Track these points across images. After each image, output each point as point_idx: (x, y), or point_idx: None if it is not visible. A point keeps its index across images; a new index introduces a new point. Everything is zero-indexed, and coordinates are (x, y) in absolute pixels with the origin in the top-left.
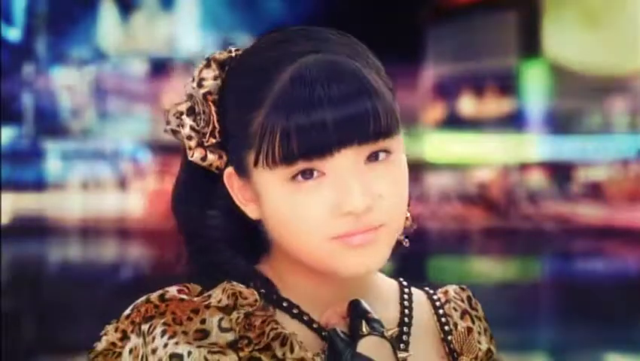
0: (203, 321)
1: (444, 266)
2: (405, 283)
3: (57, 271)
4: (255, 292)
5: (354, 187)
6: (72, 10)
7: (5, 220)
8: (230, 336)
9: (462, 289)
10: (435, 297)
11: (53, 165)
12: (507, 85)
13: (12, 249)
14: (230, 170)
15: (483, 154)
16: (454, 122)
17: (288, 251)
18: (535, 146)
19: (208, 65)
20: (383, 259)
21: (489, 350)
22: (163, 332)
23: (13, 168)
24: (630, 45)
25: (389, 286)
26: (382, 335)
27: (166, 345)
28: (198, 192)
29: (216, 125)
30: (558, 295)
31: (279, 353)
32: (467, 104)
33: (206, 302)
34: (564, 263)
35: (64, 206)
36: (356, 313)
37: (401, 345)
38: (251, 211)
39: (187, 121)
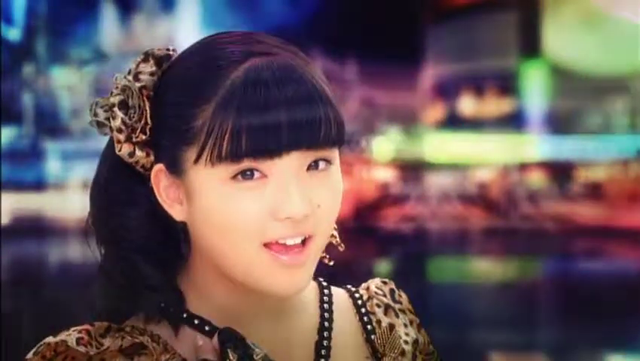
0: (103, 360)
1: (444, 266)
2: (325, 283)
3: (57, 271)
4: (153, 345)
5: (295, 193)
6: (72, 10)
7: (5, 220)
8: None
9: (384, 282)
10: (357, 295)
11: (53, 165)
12: (507, 85)
13: (12, 249)
14: (159, 166)
15: (483, 154)
16: (454, 122)
17: (212, 259)
18: (535, 146)
19: (146, 60)
20: (307, 282)
21: (416, 340)
22: None
23: (13, 168)
24: (630, 45)
25: (308, 290)
26: (251, 359)
27: None
28: (120, 190)
29: (148, 121)
30: (558, 295)
31: None
32: (467, 104)
33: (107, 349)
34: (564, 263)
35: (64, 206)
36: (224, 340)
37: (322, 351)
38: (177, 213)
39: (119, 114)
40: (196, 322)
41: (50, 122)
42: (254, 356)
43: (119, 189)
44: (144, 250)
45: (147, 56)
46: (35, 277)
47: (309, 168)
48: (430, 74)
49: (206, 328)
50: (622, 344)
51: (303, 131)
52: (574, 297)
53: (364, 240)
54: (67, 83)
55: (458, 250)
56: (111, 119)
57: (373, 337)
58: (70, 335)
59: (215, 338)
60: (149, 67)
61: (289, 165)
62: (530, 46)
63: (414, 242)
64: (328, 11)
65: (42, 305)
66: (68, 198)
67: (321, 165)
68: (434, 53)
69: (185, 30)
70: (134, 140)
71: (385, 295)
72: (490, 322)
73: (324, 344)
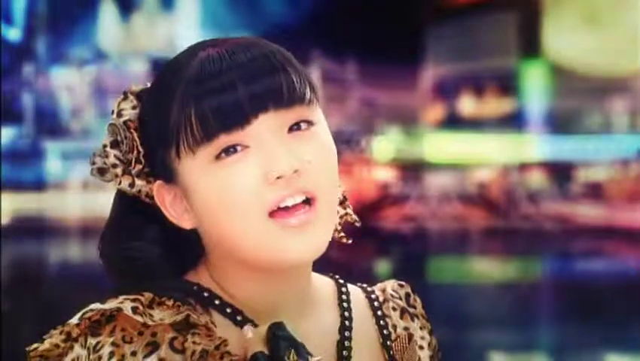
0: (154, 335)
1: (444, 266)
2: (341, 281)
3: (57, 271)
4: (206, 316)
5: (279, 151)
6: (72, 10)
7: (5, 220)
8: (178, 358)
9: (401, 285)
10: (373, 296)
11: (53, 165)
12: (507, 85)
13: (12, 249)
14: (158, 183)
15: (483, 154)
16: (454, 122)
17: (225, 250)
18: (535, 146)
19: (125, 98)
20: (324, 244)
21: (430, 342)
22: (111, 355)
23: (13, 168)
24: (630, 45)
25: (326, 286)
26: None
27: None
28: (129, 227)
29: (140, 149)
30: (558, 295)
31: None
32: (467, 104)
33: (158, 319)
34: (564, 263)
35: (64, 206)
36: (280, 337)
37: (344, 352)
38: (185, 222)
39: (111, 151)
40: (228, 310)
41: (50, 122)
42: (309, 359)
43: (128, 226)
44: (159, 273)
45: (126, 95)
46: (35, 277)
47: (291, 130)
48: (430, 74)
49: (238, 318)
50: (622, 344)
51: (264, 94)
52: (574, 297)
53: (364, 240)
54: (67, 83)
55: (458, 250)
56: (105, 159)
57: (389, 343)
58: (124, 303)
59: (264, 331)
60: (129, 102)
61: (265, 129)
62: (530, 46)
63: (414, 242)
64: (328, 11)
65: (42, 305)
66: (68, 198)
67: (303, 125)
68: (434, 53)
69: (185, 30)
70: (132, 172)
71: (400, 299)
72: (490, 322)
73: (346, 344)
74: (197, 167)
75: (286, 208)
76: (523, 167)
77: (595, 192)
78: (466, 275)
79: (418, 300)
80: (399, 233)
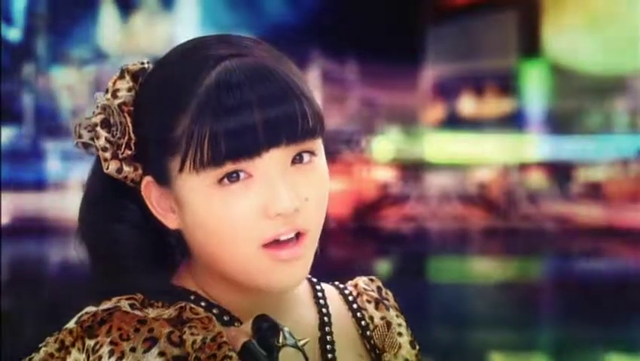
0: (151, 330)
1: (444, 266)
2: (314, 279)
3: (57, 271)
4: (202, 310)
5: (282, 189)
6: (72, 10)
7: (5, 220)
8: (177, 351)
9: (371, 280)
10: (346, 291)
11: (53, 165)
12: (507, 85)
13: (12, 249)
14: (148, 179)
15: (483, 154)
16: (454, 122)
17: (210, 262)
18: (535, 146)
19: (122, 77)
20: (308, 271)
21: (407, 329)
22: (111, 353)
23: (13, 168)
24: (630, 45)
25: (302, 286)
26: (296, 346)
27: None
28: (109, 207)
29: (132, 136)
30: (558, 295)
31: None
32: (467, 104)
33: (154, 316)
34: (564, 263)
35: (64, 206)
36: (266, 327)
37: (327, 346)
38: (171, 222)
39: (102, 133)
40: (215, 311)
41: (50, 122)
42: (297, 343)
43: (108, 205)
44: (139, 260)
45: (122, 73)
46: (35, 276)
47: (293, 161)
48: (430, 74)
49: (225, 318)
50: (622, 344)
51: (279, 128)
52: (574, 297)
53: (364, 240)
54: (67, 83)
55: (458, 250)
56: (95, 138)
57: (368, 333)
58: (120, 302)
59: (249, 325)
60: (125, 83)
61: (273, 163)
62: (530, 46)
63: (414, 242)
64: (328, 11)
65: (42, 305)
66: (68, 198)
67: (306, 157)
68: (434, 53)
69: (185, 30)
70: (120, 156)
71: (373, 291)
72: (490, 322)
73: (328, 339)
74: (198, 185)
75: (277, 241)
76: (523, 167)
77: (595, 192)
78: (466, 275)
79: (389, 293)
80: (399, 233)
